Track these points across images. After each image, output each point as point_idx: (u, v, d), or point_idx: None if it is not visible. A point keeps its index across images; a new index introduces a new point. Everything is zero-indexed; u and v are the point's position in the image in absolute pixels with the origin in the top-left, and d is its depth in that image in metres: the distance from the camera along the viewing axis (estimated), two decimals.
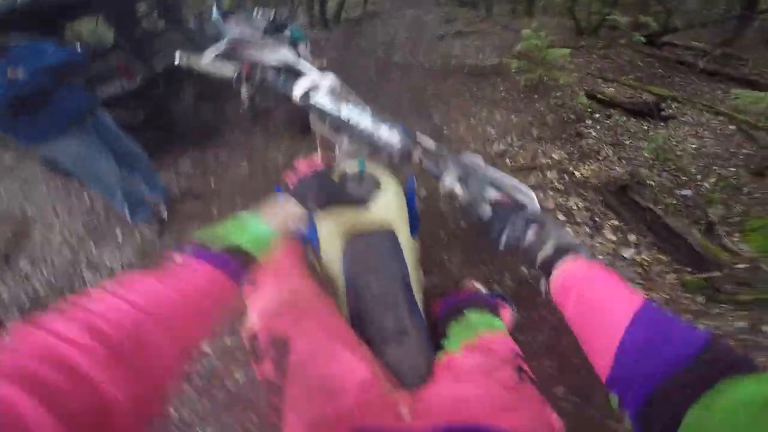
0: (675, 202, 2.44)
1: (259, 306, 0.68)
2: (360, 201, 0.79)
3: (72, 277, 2.77)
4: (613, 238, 2.18)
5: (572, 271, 0.56)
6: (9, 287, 2.91)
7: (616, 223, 2.28)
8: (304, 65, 0.85)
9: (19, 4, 2.87)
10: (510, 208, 0.65)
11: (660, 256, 2.08)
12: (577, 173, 2.66)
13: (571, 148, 2.92)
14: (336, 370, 0.62)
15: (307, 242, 0.89)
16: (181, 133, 3.68)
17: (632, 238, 2.17)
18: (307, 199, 0.69)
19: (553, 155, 2.84)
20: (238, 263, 0.54)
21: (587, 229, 2.24)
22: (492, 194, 0.65)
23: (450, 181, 0.65)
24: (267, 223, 0.62)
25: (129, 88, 3.31)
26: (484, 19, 8.49)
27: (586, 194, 2.48)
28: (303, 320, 0.67)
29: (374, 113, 0.73)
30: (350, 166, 0.81)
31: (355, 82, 4.61)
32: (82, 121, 2.40)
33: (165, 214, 2.90)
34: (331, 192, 0.73)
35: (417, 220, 0.99)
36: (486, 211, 0.64)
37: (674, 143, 3.14)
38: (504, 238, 0.63)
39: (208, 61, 0.88)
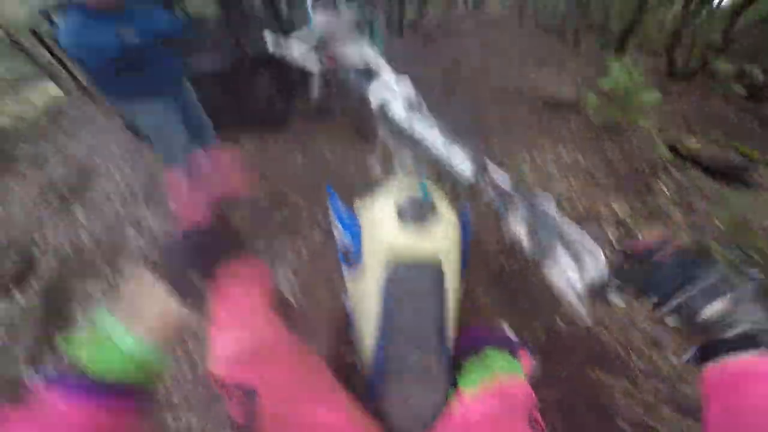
0: None
1: (221, 353, 0.60)
2: (416, 223, 0.74)
3: (116, 233, 2.97)
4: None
5: (755, 368, 0.44)
6: (58, 231, 3.18)
7: None
8: (385, 69, 0.82)
9: None
10: (682, 257, 0.54)
11: None
12: (638, 233, 2.51)
13: (638, 204, 2.73)
14: (307, 420, 0.59)
15: (346, 249, 0.87)
16: (249, 113, 3.79)
17: None
18: (187, 284, 0.57)
19: (616, 208, 2.68)
20: (117, 397, 0.46)
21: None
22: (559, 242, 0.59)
23: (516, 225, 0.60)
24: (136, 332, 0.50)
25: (217, 65, 3.45)
26: (570, 50, 8.17)
27: None
28: (269, 369, 0.61)
29: (448, 134, 0.68)
30: (410, 187, 0.75)
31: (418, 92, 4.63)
32: (171, 88, 2.53)
33: None
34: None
35: (468, 256, 0.94)
36: (551, 256, 0.57)
37: (757, 216, 2.85)
38: (675, 302, 0.50)
39: (297, 50, 0.88)
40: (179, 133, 2.58)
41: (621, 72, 3.64)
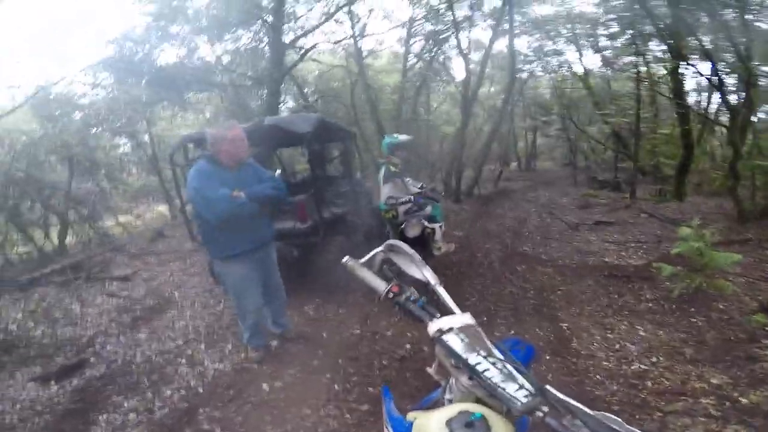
0: None
1: None
2: None
3: (170, 362, 3.11)
4: None
5: None
6: (119, 344, 3.46)
7: None
8: (443, 294, 0.93)
9: (261, 126, 3.67)
10: None
11: None
12: (743, 399, 2.22)
13: (738, 373, 2.45)
14: None
15: None
16: (320, 279, 3.93)
17: None
18: None
19: (712, 380, 2.42)
20: None
21: None
22: None
23: None
24: None
25: (298, 229, 3.74)
26: (627, 204, 8.26)
27: (752, 421, 2.04)
28: None
29: (505, 364, 0.70)
30: (464, 406, 0.73)
31: (478, 271, 4.91)
32: (259, 250, 2.66)
33: (273, 347, 3.09)
34: None
35: None
36: None
37: None
38: None
39: (367, 274, 1.00)
40: (255, 294, 2.76)
41: (691, 236, 3.50)
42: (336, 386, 2.68)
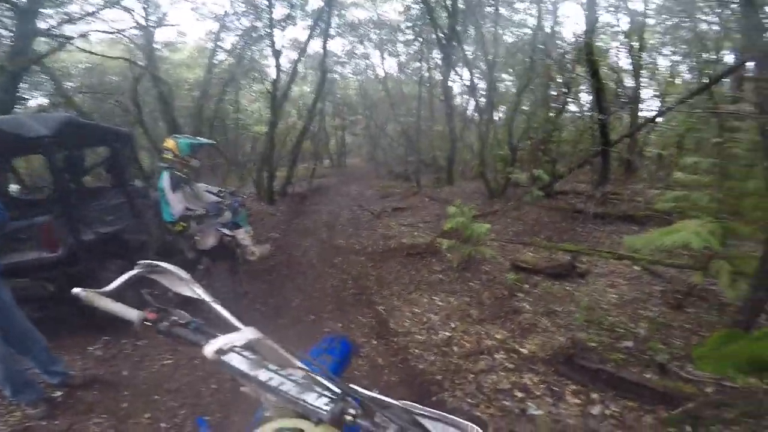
0: (621, 355, 2.47)
1: None
2: None
3: None
4: (577, 401, 2.14)
5: None
6: None
7: (574, 387, 2.24)
8: (221, 310, 0.82)
9: None
10: None
11: (629, 404, 2.07)
12: (523, 350, 2.66)
13: (511, 326, 2.97)
14: None
15: None
16: (94, 313, 3.09)
17: (595, 396, 2.16)
18: None
19: (497, 335, 2.86)
20: None
21: (549, 400, 2.17)
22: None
23: None
24: None
25: (47, 259, 2.88)
26: (415, 192, 9.49)
27: (536, 368, 2.45)
28: None
29: (302, 378, 0.67)
30: (280, 424, 0.71)
31: (298, 269, 4.74)
32: None
33: (59, 398, 2.51)
34: None
35: None
36: None
37: (597, 298, 3.33)
38: None
39: (111, 304, 0.84)
40: None
41: (456, 212, 4.17)
42: (162, 425, 2.27)
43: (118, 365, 2.90)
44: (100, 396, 2.56)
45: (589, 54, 6.02)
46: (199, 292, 0.89)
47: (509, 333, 2.89)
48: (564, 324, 2.96)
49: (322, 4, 9.82)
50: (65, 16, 8.00)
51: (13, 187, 4.35)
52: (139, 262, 0.94)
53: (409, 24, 11.16)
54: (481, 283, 3.71)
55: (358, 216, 7.85)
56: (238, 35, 12.06)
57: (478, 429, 0.66)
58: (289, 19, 10.87)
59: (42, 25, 7.15)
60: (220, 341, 0.72)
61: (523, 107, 8.39)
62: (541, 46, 6.96)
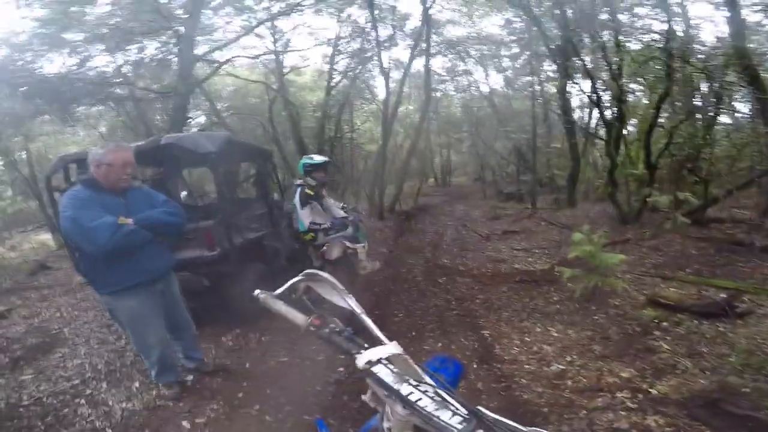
0: None
1: None
2: None
3: (66, 404, 2.64)
4: None
5: None
6: None
7: None
8: (369, 323, 0.86)
9: (158, 145, 3.20)
10: None
11: None
12: (653, 390, 2.30)
13: (642, 365, 2.58)
14: None
15: None
16: (234, 308, 3.56)
17: None
18: None
19: (622, 374, 2.51)
20: None
21: None
22: None
23: None
24: None
25: (206, 258, 3.29)
26: (529, 214, 8.85)
27: (666, 410, 2.10)
28: None
29: (437, 390, 0.68)
30: None
31: (403, 286, 4.83)
32: (156, 282, 2.35)
33: (190, 382, 2.78)
34: None
35: None
36: None
37: (759, 341, 2.71)
38: None
39: (283, 307, 0.93)
40: (156, 329, 2.41)
41: (583, 240, 3.77)
42: (267, 417, 2.43)
43: (243, 357, 3.23)
44: (223, 384, 2.81)
45: (743, 58, 5.03)
46: (351, 304, 0.93)
47: (638, 372, 2.51)
48: (711, 367, 2.48)
49: (420, 23, 10.08)
50: (214, 43, 9.38)
51: (182, 194, 5.04)
52: (306, 271, 1.01)
53: (514, 37, 10.75)
54: (607, 318, 3.31)
55: (464, 237, 7.70)
56: (349, 57, 12.78)
57: None
58: (391, 40, 11.35)
59: (196, 51, 8.41)
60: (371, 353, 0.76)
61: (660, 120, 7.30)
62: (676, 52, 5.99)
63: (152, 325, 2.40)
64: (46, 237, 9.27)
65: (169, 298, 2.51)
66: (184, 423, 2.40)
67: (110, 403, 2.67)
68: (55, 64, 7.90)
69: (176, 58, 8.52)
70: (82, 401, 2.71)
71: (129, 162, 2.22)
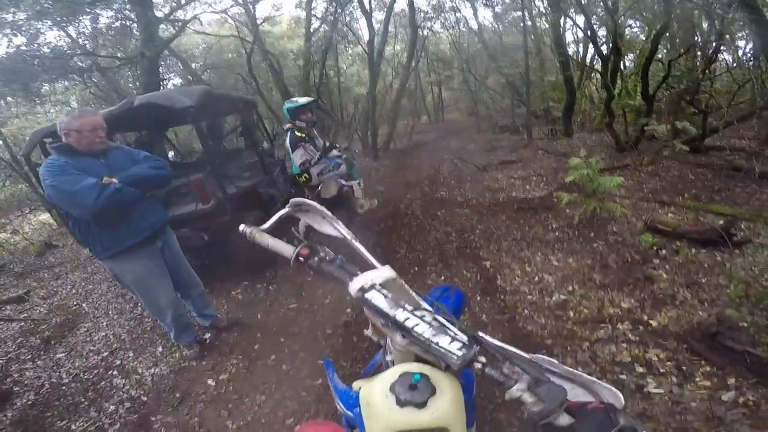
0: None
1: None
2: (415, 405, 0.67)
3: (101, 377, 2.75)
4: (707, 383, 1.86)
5: None
6: (36, 368, 3.01)
7: (708, 369, 1.93)
8: (361, 248, 0.85)
9: (132, 107, 3.13)
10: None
11: None
12: (653, 322, 2.31)
13: (642, 295, 2.57)
14: None
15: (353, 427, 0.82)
16: (238, 260, 3.58)
17: (732, 381, 1.85)
18: None
19: (622, 304, 2.51)
20: None
21: (674, 379, 1.91)
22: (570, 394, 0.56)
23: (518, 391, 0.56)
24: None
25: (201, 210, 3.26)
26: (525, 144, 8.67)
27: (666, 343, 2.12)
28: None
29: (435, 317, 0.65)
30: (404, 368, 0.71)
31: (402, 221, 4.78)
32: (153, 240, 2.33)
33: (208, 340, 2.87)
34: None
35: (474, 413, 0.95)
36: (564, 418, 0.53)
37: (757, 271, 2.71)
38: None
39: (270, 240, 0.91)
40: (164, 288, 2.42)
41: (581, 165, 3.66)
42: (284, 366, 2.50)
43: (253, 309, 3.26)
44: (239, 338, 2.87)
45: None
46: (341, 229, 0.92)
47: (638, 302, 2.51)
48: (709, 298, 2.47)
49: None
50: (174, 4, 8.93)
51: (169, 154, 5.11)
52: (291, 200, 0.98)
53: None
54: (607, 245, 3.26)
55: (460, 169, 7.52)
56: (325, 0, 12.02)
57: (618, 392, 0.59)
58: None
59: (158, 13, 8.03)
60: (363, 279, 0.73)
61: (659, 56, 6.92)
62: None
63: (159, 286, 2.41)
64: (45, 216, 9.03)
65: (170, 256, 2.49)
66: (209, 381, 2.48)
67: (140, 370, 2.75)
68: (1, 45, 7.24)
69: (135, 24, 7.94)
70: (115, 372, 2.80)
71: (98, 125, 2.13)
